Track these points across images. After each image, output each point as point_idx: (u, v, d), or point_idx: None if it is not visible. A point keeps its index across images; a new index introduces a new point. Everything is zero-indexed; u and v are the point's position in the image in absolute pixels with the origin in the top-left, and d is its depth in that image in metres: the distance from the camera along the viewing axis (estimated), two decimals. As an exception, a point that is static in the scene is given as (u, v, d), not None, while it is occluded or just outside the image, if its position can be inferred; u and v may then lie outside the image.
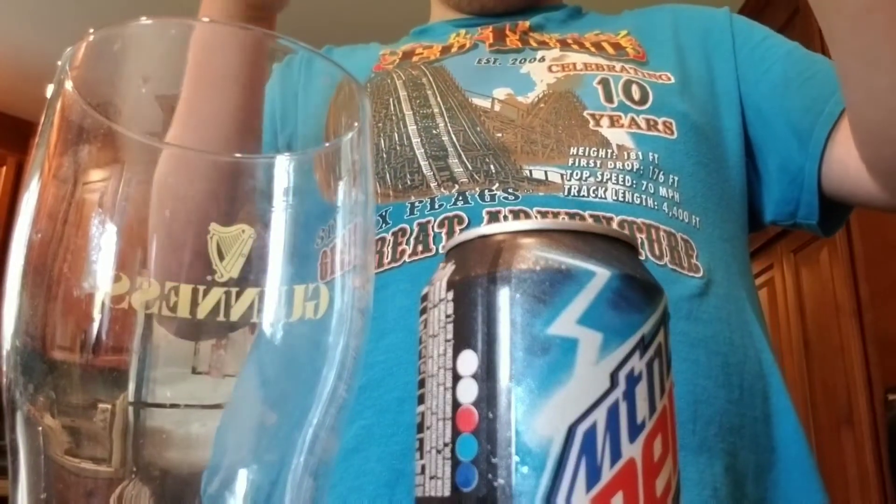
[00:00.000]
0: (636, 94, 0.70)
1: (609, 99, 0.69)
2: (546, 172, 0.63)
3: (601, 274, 0.23)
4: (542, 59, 0.74)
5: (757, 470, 0.56)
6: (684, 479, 0.51)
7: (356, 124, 0.27)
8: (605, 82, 0.70)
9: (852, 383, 2.09)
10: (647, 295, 0.23)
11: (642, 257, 0.58)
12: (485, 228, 0.25)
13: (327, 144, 0.28)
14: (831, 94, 0.68)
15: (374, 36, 0.93)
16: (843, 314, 2.16)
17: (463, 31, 0.81)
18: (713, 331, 0.58)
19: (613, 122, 0.67)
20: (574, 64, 0.73)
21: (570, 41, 0.78)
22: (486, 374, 0.22)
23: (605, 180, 0.63)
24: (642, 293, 0.23)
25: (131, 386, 0.23)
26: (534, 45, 0.77)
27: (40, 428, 0.23)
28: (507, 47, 0.77)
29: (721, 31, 0.78)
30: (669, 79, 0.73)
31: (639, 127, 0.68)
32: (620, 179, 0.63)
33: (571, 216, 0.60)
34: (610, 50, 0.76)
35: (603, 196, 0.62)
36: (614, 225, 0.60)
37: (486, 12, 0.83)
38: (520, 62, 0.75)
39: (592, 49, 0.76)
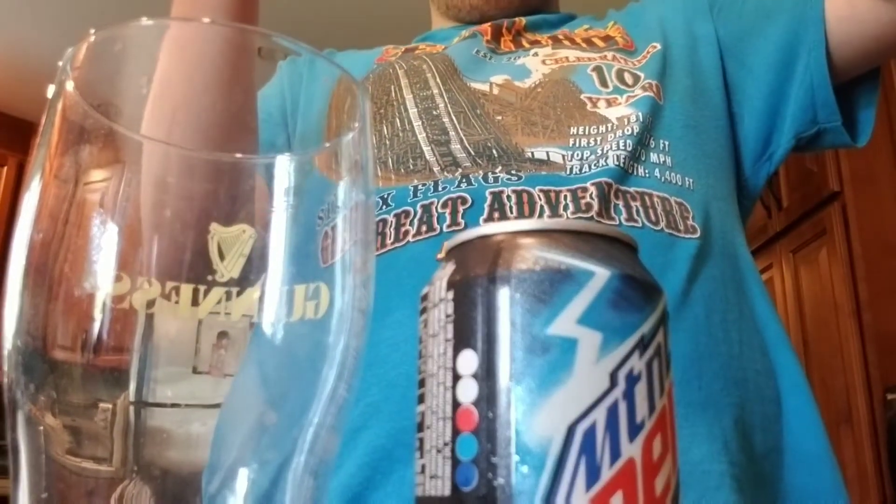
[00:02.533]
0: (629, 80, 0.71)
1: (604, 84, 0.71)
2: (548, 153, 0.64)
3: (601, 274, 0.23)
4: (536, 55, 0.76)
5: (764, 421, 0.58)
6: (694, 434, 0.53)
7: (356, 124, 0.27)
8: (598, 69, 0.72)
9: (851, 383, 2.09)
10: (647, 295, 0.24)
11: (639, 225, 0.59)
12: (485, 228, 0.25)
13: (327, 145, 0.28)
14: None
15: (375, 37, 0.94)
16: (842, 314, 2.16)
17: (466, 33, 0.83)
18: (711, 289, 0.59)
19: (610, 104, 0.68)
20: (567, 57, 0.75)
21: (561, 37, 0.79)
22: (486, 374, 0.22)
23: (605, 152, 0.63)
24: (642, 293, 0.23)
25: (132, 385, 0.23)
26: (526, 46, 0.79)
27: (41, 427, 0.23)
28: (502, 49, 0.78)
29: (700, 3, 0.79)
30: (655, 47, 0.74)
31: (635, 97, 0.69)
32: (621, 145, 0.64)
33: (573, 192, 0.60)
34: (600, 43, 0.78)
35: (605, 164, 0.62)
36: (612, 194, 0.60)
37: (485, 21, 0.84)
38: (514, 59, 0.76)
39: (583, 45, 0.78)
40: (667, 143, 0.66)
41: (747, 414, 0.56)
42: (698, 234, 0.61)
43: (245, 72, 0.32)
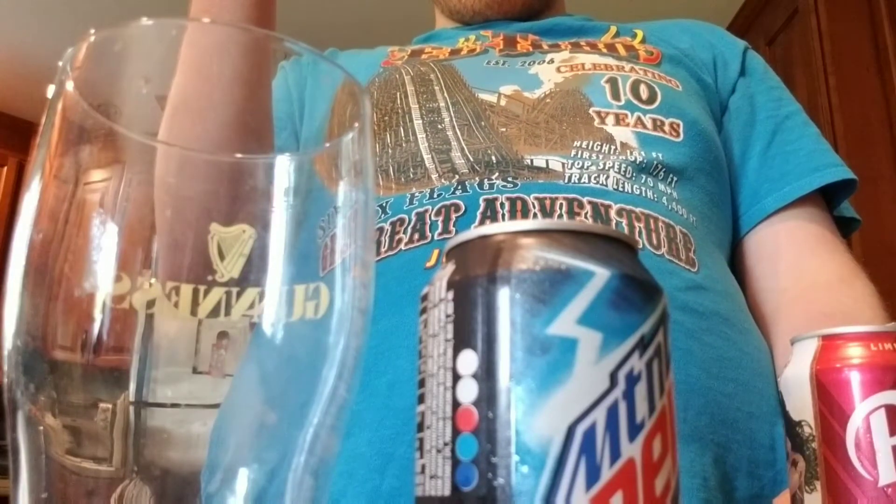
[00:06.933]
0: (644, 94, 0.70)
1: (616, 97, 0.69)
2: (547, 161, 0.64)
3: (601, 274, 0.23)
4: (552, 61, 0.75)
5: (752, 466, 0.56)
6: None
7: (357, 125, 0.27)
8: (613, 81, 0.71)
9: (852, 383, 2.09)
10: (647, 295, 0.23)
11: (640, 246, 0.58)
12: (485, 228, 0.25)
13: (328, 145, 0.28)
14: (791, 175, 0.72)
15: (377, 37, 0.94)
16: (842, 314, 2.16)
17: (472, 35, 0.82)
18: (709, 324, 0.58)
19: (619, 121, 0.67)
20: (583, 64, 0.73)
21: (583, 43, 0.78)
22: (486, 374, 0.22)
23: (606, 168, 0.63)
24: (642, 293, 0.23)
25: (132, 385, 0.23)
26: (545, 48, 0.78)
27: (41, 427, 0.23)
28: (518, 52, 0.77)
29: (732, 57, 0.79)
30: (678, 86, 0.73)
31: (644, 126, 0.68)
32: (623, 170, 0.63)
33: (569, 202, 0.59)
34: (622, 51, 0.77)
35: (604, 183, 0.61)
36: (613, 212, 0.60)
37: (488, 23, 0.84)
38: (528, 64, 0.75)
39: (604, 49, 0.76)
40: (676, 179, 0.66)
41: (732, 456, 0.54)
42: (696, 269, 0.60)
43: (252, 74, 0.32)
